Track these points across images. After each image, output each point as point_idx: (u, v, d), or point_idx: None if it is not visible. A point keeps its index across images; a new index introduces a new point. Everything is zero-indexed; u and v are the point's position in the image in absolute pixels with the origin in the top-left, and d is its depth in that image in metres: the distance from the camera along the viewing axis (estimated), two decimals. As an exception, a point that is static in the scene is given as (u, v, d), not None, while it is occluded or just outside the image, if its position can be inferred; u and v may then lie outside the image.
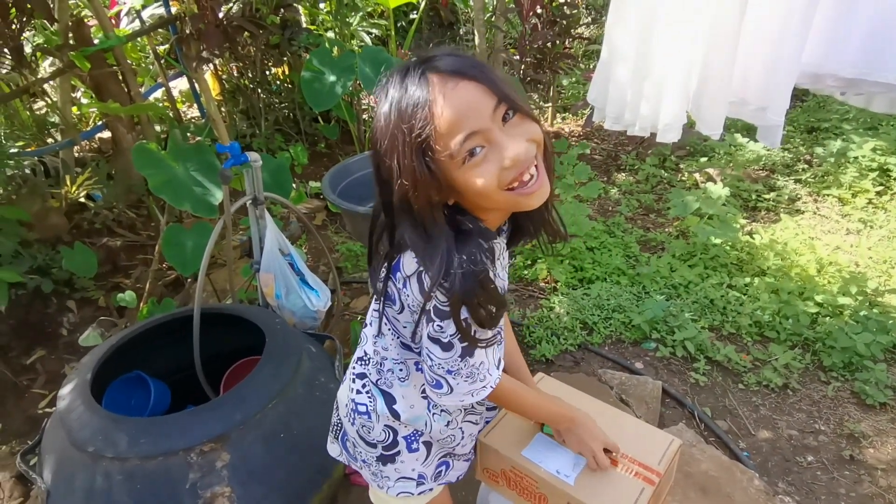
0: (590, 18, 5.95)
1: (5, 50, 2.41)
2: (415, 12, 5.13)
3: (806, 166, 3.62)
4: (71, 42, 2.54)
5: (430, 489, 1.08)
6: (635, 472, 1.06)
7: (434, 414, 1.01)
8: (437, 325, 0.83)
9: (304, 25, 3.78)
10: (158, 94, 3.66)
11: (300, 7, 3.79)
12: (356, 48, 3.63)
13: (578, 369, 2.25)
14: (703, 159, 3.77)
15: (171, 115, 3.18)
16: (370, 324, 1.01)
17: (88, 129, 3.51)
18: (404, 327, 0.92)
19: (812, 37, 1.40)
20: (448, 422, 1.02)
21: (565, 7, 4.15)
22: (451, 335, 0.83)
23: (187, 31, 2.38)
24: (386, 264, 0.89)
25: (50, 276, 2.51)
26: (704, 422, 2.00)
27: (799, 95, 4.50)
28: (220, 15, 2.37)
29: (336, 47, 3.46)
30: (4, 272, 2.18)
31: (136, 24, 3.18)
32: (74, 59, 2.49)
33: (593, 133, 4.45)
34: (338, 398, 1.14)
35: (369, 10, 4.36)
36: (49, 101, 3.30)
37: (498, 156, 0.75)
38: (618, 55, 1.73)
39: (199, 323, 1.71)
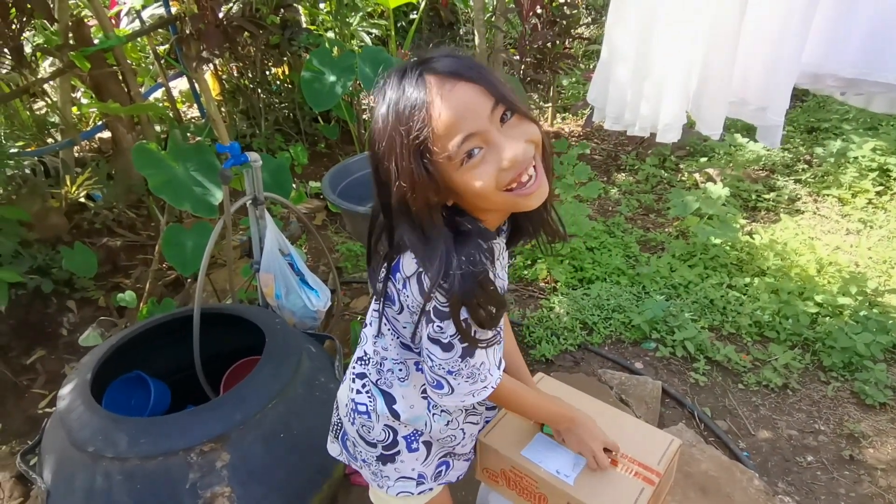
0: (590, 18, 5.96)
1: (5, 50, 2.41)
2: (415, 12, 5.13)
3: (806, 166, 3.62)
4: (71, 42, 2.54)
5: (430, 489, 1.08)
6: (635, 472, 1.06)
7: (434, 414, 1.01)
8: (437, 326, 0.83)
9: (304, 25, 3.78)
10: (158, 94, 3.66)
11: (300, 7, 3.79)
12: (356, 48, 3.63)
13: (578, 369, 2.25)
14: (703, 159, 3.77)
15: (171, 115, 3.18)
16: (370, 324, 1.01)
17: (88, 129, 3.51)
18: (404, 328, 0.92)
19: (812, 37, 1.40)
20: (448, 422, 1.03)
21: (565, 7, 4.15)
22: (451, 336, 0.83)
23: (187, 31, 2.39)
24: (385, 265, 0.89)
25: (50, 276, 2.51)
26: (704, 422, 2.01)
27: (799, 95, 4.50)
28: (220, 15, 2.37)
29: (336, 47, 3.46)
30: (4, 272, 2.18)
31: (136, 24, 3.18)
32: (74, 59, 2.49)
33: (593, 133, 4.45)
34: (338, 398, 1.14)
35: (369, 10, 4.36)
36: (49, 101, 3.30)
37: (496, 157, 0.75)
38: (618, 55, 1.73)
39: (199, 323, 1.71)
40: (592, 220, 3.04)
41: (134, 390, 1.75)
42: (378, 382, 1.01)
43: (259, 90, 3.96)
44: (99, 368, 1.53)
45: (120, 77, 2.70)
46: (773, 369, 2.18)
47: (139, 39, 3.66)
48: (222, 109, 3.89)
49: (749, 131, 3.92)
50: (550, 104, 4.64)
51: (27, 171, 2.89)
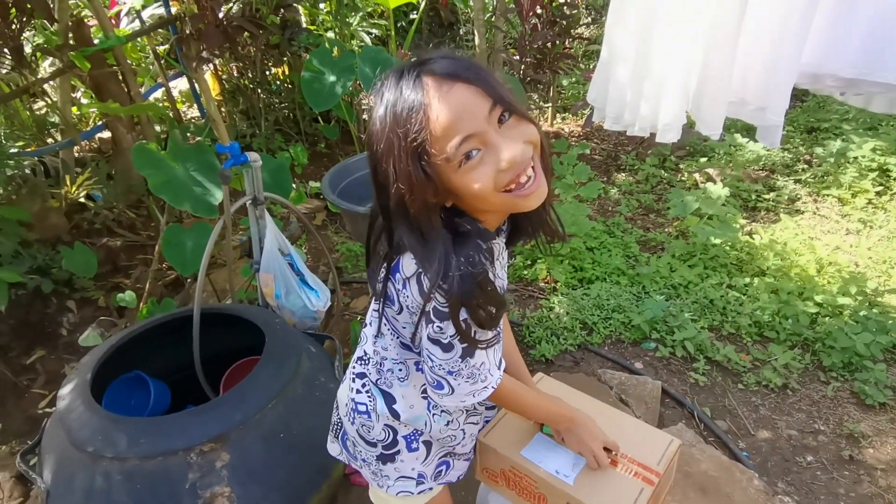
0: (590, 18, 5.95)
1: (5, 50, 2.41)
2: (415, 12, 5.13)
3: (806, 166, 3.62)
4: (71, 42, 2.54)
5: (430, 489, 1.08)
6: (635, 472, 1.06)
7: (434, 414, 1.01)
8: (437, 327, 0.83)
9: (304, 25, 3.78)
10: (158, 94, 3.66)
11: (300, 7, 3.79)
12: (356, 48, 3.63)
13: (578, 369, 2.25)
14: (703, 159, 3.77)
15: (171, 115, 3.19)
16: (370, 324, 1.01)
17: (88, 129, 3.51)
18: (403, 328, 0.92)
19: (812, 37, 1.40)
20: (448, 422, 1.03)
21: (565, 7, 4.15)
22: (451, 336, 0.83)
23: (187, 31, 2.39)
24: (385, 265, 0.89)
25: (50, 276, 2.51)
26: (704, 422, 2.01)
27: (799, 95, 4.50)
28: (220, 15, 2.37)
29: (336, 47, 3.46)
30: (4, 272, 2.18)
31: (136, 24, 3.18)
32: (74, 59, 2.49)
33: (593, 133, 4.45)
34: (338, 397, 1.14)
35: (369, 10, 4.36)
36: (49, 101, 3.30)
37: (494, 158, 0.75)
38: (618, 55, 1.73)
39: (199, 323, 1.71)
40: (592, 220, 3.04)
41: (134, 390, 1.75)
42: (378, 382, 1.01)
43: (259, 90, 3.96)
44: (99, 368, 1.53)
45: (120, 77, 2.70)
46: (772, 369, 2.18)
47: (139, 39, 3.66)
48: (222, 109, 3.89)
49: (749, 131, 3.92)
50: (550, 104, 4.64)
51: (27, 171, 2.89)
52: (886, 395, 2.03)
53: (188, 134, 2.98)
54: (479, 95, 0.74)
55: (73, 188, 2.91)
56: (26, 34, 2.94)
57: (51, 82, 3.12)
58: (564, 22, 4.05)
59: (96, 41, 2.62)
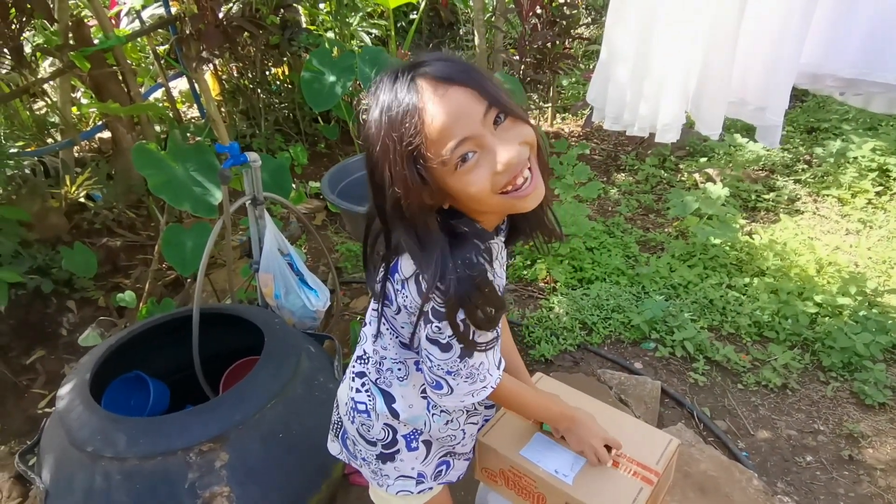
0: (590, 18, 5.96)
1: (5, 50, 2.41)
2: (415, 12, 5.13)
3: (805, 166, 3.62)
4: (71, 42, 2.54)
5: (430, 488, 1.08)
6: (634, 471, 1.06)
7: (433, 414, 1.01)
8: (436, 327, 0.83)
9: (304, 25, 3.79)
10: (158, 94, 3.66)
11: (300, 7, 3.79)
12: (356, 48, 3.63)
13: (578, 369, 2.25)
14: (703, 159, 3.77)
15: (171, 115, 3.19)
16: (369, 323, 1.01)
17: (88, 129, 3.52)
18: (402, 327, 0.92)
19: (811, 37, 1.40)
20: (447, 421, 1.03)
21: (565, 7, 4.15)
22: (449, 336, 0.83)
23: (187, 32, 2.39)
24: (383, 266, 0.89)
25: (50, 276, 2.51)
26: (703, 422, 2.01)
27: (799, 96, 4.50)
28: (220, 15, 2.38)
29: (336, 47, 3.46)
30: (4, 272, 2.19)
31: (136, 24, 3.18)
32: (74, 59, 2.49)
33: (593, 133, 4.45)
34: (338, 396, 1.14)
35: (369, 10, 4.36)
36: (49, 101, 3.30)
37: (490, 160, 0.75)
38: (617, 55, 1.73)
39: (199, 323, 1.71)
40: (592, 221, 3.04)
41: (133, 390, 1.75)
42: (377, 381, 1.01)
43: (259, 90, 3.96)
44: (98, 368, 1.53)
45: (120, 77, 2.70)
46: (772, 369, 2.18)
47: (139, 39, 3.66)
48: (222, 109, 3.89)
49: (748, 131, 3.92)
50: (550, 104, 4.65)
51: (27, 171, 2.89)
52: (886, 395, 2.03)
53: (188, 134, 2.99)
54: (474, 98, 0.74)
55: (73, 188, 2.92)
56: (26, 34, 2.94)
57: (51, 82, 3.12)
58: (564, 22, 4.06)
59: (96, 41, 2.62)
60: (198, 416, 1.37)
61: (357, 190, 2.13)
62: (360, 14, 4.09)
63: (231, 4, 3.02)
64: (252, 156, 1.80)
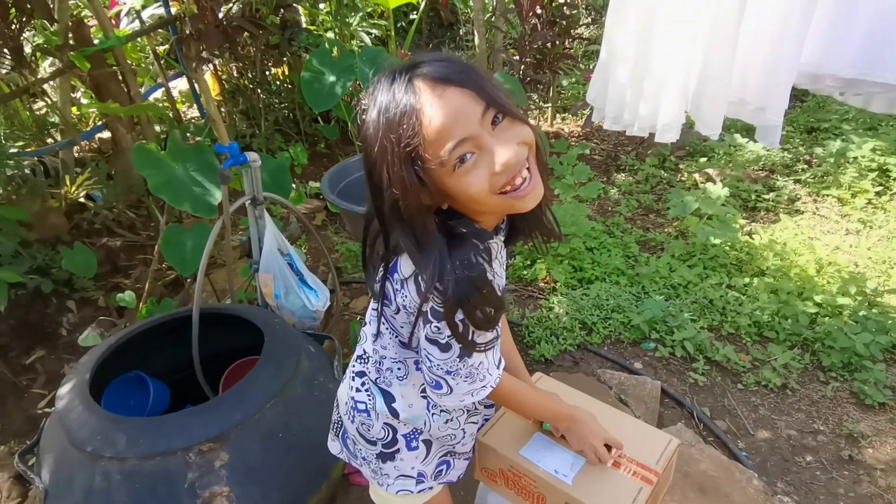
0: (590, 18, 5.96)
1: (5, 50, 2.41)
2: (415, 12, 5.14)
3: (805, 166, 3.62)
4: (71, 42, 2.54)
5: (430, 488, 1.08)
6: (633, 471, 1.06)
7: (433, 413, 1.01)
8: (435, 327, 0.83)
9: (304, 25, 3.79)
10: (158, 94, 3.66)
11: (300, 7, 3.79)
12: (356, 48, 3.63)
13: (577, 369, 2.25)
14: (703, 159, 3.77)
15: (170, 115, 3.19)
16: (369, 322, 1.01)
17: (88, 129, 3.52)
18: (401, 327, 0.92)
19: (811, 37, 1.40)
20: (447, 420, 1.03)
21: (565, 7, 4.15)
22: (448, 336, 0.83)
23: (187, 32, 2.39)
24: (383, 265, 0.89)
25: (50, 276, 2.51)
26: (703, 422, 2.00)
27: (799, 96, 4.50)
28: (220, 15, 2.38)
29: (336, 47, 3.46)
30: (4, 272, 2.19)
31: (136, 24, 3.18)
32: (74, 59, 2.49)
33: (593, 133, 4.45)
34: (338, 396, 1.14)
35: (369, 10, 4.36)
36: (49, 101, 3.30)
37: (488, 161, 0.75)
38: (617, 55, 1.73)
39: (199, 323, 1.71)
40: (592, 221, 3.04)
41: (133, 390, 1.75)
42: (377, 381, 1.01)
43: (259, 90, 3.96)
44: (98, 368, 1.53)
45: (120, 77, 2.70)
46: (772, 369, 2.18)
47: (139, 39, 3.66)
48: (222, 109, 3.89)
49: (748, 131, 3.92)
50: (550, 104, 4.65)
51: (27, 171, 2.89)
52: (886, 395, 2.03)
53: (188, 134, 2.99)
54: (472, 98, 0.74)
55: (73, 188, 2.92)
56: (26, 34, 2.94)
57: (51, 82, 3.12)
58: (564, 22, 4.06)
59: (96, 41, 2.62)
60: (197, 415, 1.37)
61: (357, 190, 2.13)
62: (360, 14, 4.09)
63: (231, 4, 3.02)
64: (252, 156, 1.80)
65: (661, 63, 1.59)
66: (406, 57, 3.75)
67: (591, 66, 5.14)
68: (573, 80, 5.10)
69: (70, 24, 2.54)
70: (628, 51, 1.67)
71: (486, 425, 1.16)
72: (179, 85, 4.35)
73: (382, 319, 0.94)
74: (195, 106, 3.97)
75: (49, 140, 3.28)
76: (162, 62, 3.18)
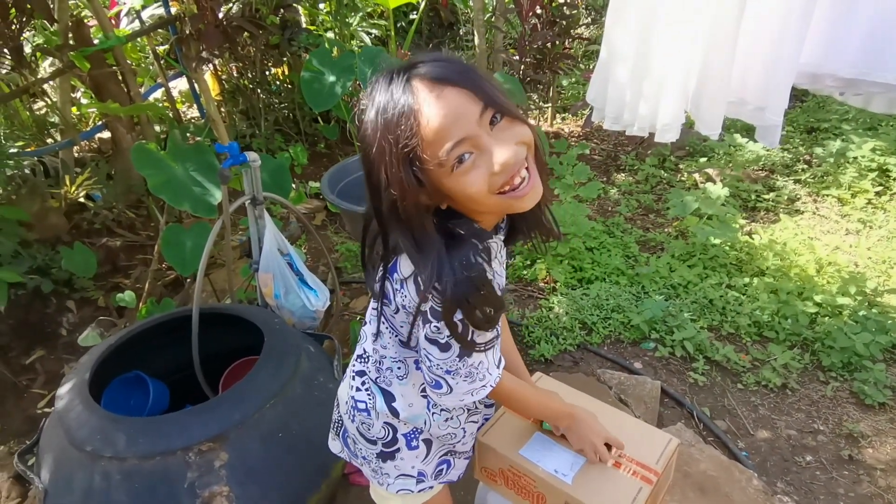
0: (590, 19, 5.96)
1: (5, 50, 2.41)
2: (415, 13, 5.14)
3: (805, 166, 3.62)
4: (71, 42, 2.54)
5: (431, 487, 1.08)
6: (633, 471, 1.06)
7: (433, 412, 1.01)
8: (434, 326, 0.83)
9: (304, 26, 3.79)
10: (158, 94, 3.66)
11: (300, 7, 3.80)
12: (356, 48, 3.63)
13: (577, 369, 2.25)
14: (703, 159, 3.77)
15: (170, 115, 3.19)
16: (369, 322, 1.01)
17: (88, 129, 3.52)
18: (401, 326, 0.92)
19: (811, 37, 1.40)
20: (447, 419, 1.03)
21: (565, 7, 4.15)
22: (447, 336, 0.83)
23: (187, 32, 2.39)
24: (382, 265, 0.89)
25: (49, 276, 2.51)
26: (703, 422, 2.00)
27: (798, 96, 4.50)
28: (220, 15, 2.38)
29: (336, 48, 3.46)
30: (4, 272, 2.19)
31: (136, 24, 3.18)
32: (74, 59, 2.49)
33: (593, 133, 4.45)
34: (338, 395, 1.14)
35: (369, 10, 4.36)
36: (49, 101, 3.30)
37: (487, 161, 0.75)
38: (617, 55, 1.73)
39: (198, 323, 1.71)
40: (592, 221, 3.04)
41: (133, 390, 1.75)
42: (377, 380, 1.01)
43: (259, 90, 3.96)
44: (98, 368, 1.53)
45: (120, 77, 2.70)
46: (772, 369, 2.18)
47: (139, 39, 3.66)
48: (222, 109, 3.89)
49: (748, 131, 3.92)
50: (550, 104, 4.65)
51: (27, 171, 2.89)
52: (886, 394, 2.03)
53: (188, 134, 2.99)
54: (470, 98, 0.73)
55: (73, 188, 2.92)
56: (26, 34, 2.94)
57: (51, 82, 3.12)
58: (564, 22, 4.06)
59: (96, 41, 2.62)
60: (197, 415, 1.37)
61: (357, 190, 2.13)
62: (360, 14, 4.10)
63: (231, 4, 3.02)
64: (251, 155, 1.80)
65: (660, 63, 1.59)
66: (406, 57, 3.76)
67: (591, 66, 5.14)
68: (573, 80, 5.10)
69: (70, 24, 2.54)
70: (628, 51, 1.67)
71: (485, 425, 1.16)
72: (179, 85, 4.35)
73: (382, 319, 0.94)
74: (195, 106, 3.97)
75: (49, 140, 3.28)
76: (162, 62, 3.18)
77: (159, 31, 3.24)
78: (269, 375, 1.48)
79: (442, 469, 1.09)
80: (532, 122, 0.83)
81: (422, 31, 5.71)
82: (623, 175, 3.81)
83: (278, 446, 1.41)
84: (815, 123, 4.12)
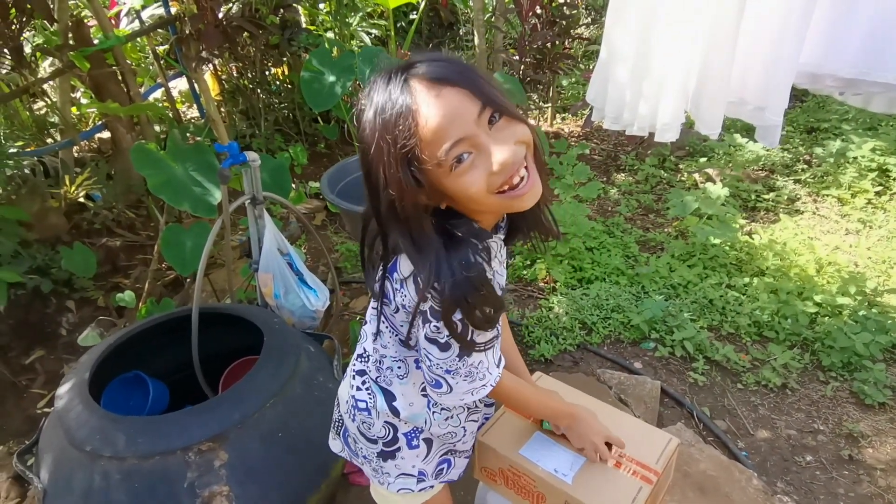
0: (590, 18, 5.96)
1: (5, 50, 2.41)
2: (415, 13, 5.14)
3: (805, 166, 3.62)
4: (71, 42, 2.54)
5: (431, 486, 1.08)
6: (633, 470, 1.06)
7: (434, 412, 1.01)
8: (434, 326, 0.83)
9: (304, 25, 3.79)
10: (158, 94, 3.66)
11: (300, 7, 3.80)
12: (356, 48, 3.63)
13: (577, 369, 2.25)
14: (703, 159, 3.77)
15: (170, 115, 3.19)
16: (369, 321, 1.01)
17: (88, 129, 3.52)
18: (401, 326, 0.92)
19: (811, 37, 1.40)
20: (448, 417, 1.03)
21: (565, 7, 4.15)
22: (447, 336, 0.83)
23: (187, 32, 2.39)
24: (382, 265, 0.89)
25: (49, 276, 2.51)
26: (703, 421, 2.00)
27: (798, 95, 4.50)
28: (220, 15, 2.38)
29: (335, 48, 3.46)
30: (4, 272, 2.18)
31: (136, 24, 3.19)
32: (74, 59, 2.49)
33: (593, 133, 4.45)
34: (339, 394, 1.14)
35: (369, 10, 4.36)
36: (49, 101, 3.30)
37: (486, 161, 0.75)
38: (617, 55, 1.73)
39: (198, 322, 1.71)
40: (592, 221, 3.04)
41: (132, 390, 1.74)
42: (378, 380, 1.01)
43: (259, 90, 3.96)
44: (97, 368, 1.53)
45: (119, 77, 2.70)
46: (772, 369, 2.18)
47: (139, 39, 3.66)
48: (222, 109, 3.89)
49: (748, 131, 3.92)
50: (550, 104, 4.65)
51: (27, 171, 2.89)
52: (886, 394, 2.03)
53: (188, 134, 2.99)
54: (468, 98, 0.73)
55: (73, 188, 2.92)
56: (26, 34, 2.94)
57: (51, 82, 3.12)
58: (564, 22, 4.06)
59: (96, 41, 2.63)
60: (197, 415, 1.37)
61: (356, 190, 2.13)
62: (360, 14, 4.10)
63: (231, 4, 3.02)
64: (251, 155, 1.80)
65: (660, 63, 1.59)
66: (406, 57, 3.76)
67: (590, 66, 5.14)
68: (573, 80, 5.10)
69: (70, 24, 2.54)
70: (628, 51, 1.67)
71: (485, 425, 1.16)
72: (179, 85, 4.35)
73: (382, 318, 0.94)
74: (195, 106, 3.97)
75: (49, 140, 3.28)
76: (162, 62, 3.18)
77: (159, 31, 3.24)
78: (268, 375, 1.48)
79: (442, 468, 1.09)
80: (532, 122, 0.82)
81: (422, 31, 5.71)
82: (623, 175, 3.81)
83: (278, 446, 1.40)
84: (814, 123, 4.12)
